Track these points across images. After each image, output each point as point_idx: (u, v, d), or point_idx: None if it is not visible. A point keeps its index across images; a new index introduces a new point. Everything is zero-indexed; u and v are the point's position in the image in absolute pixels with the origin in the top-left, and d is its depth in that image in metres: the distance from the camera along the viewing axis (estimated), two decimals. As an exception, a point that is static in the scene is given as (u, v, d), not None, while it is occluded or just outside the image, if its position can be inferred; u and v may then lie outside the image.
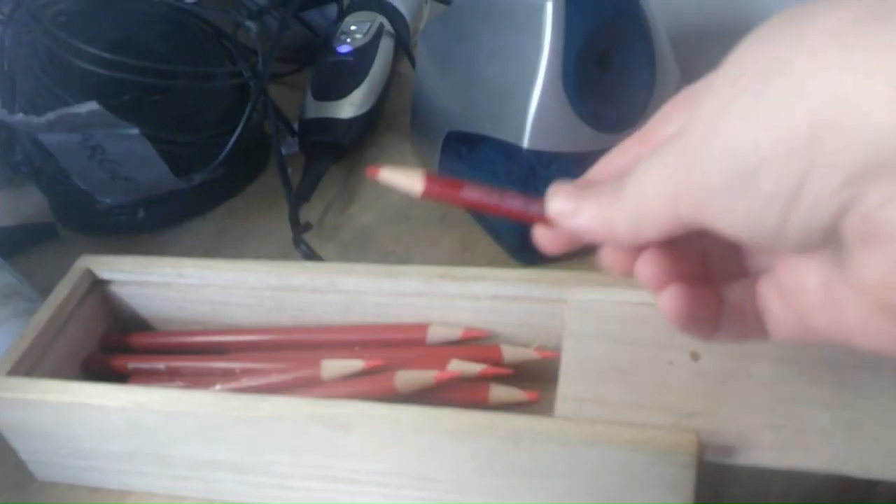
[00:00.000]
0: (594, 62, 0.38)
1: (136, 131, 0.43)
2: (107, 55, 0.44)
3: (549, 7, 0.37)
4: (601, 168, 0.28)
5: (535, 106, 0.39)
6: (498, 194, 0.27)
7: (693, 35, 0.62)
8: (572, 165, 0.41)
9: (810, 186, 0.18)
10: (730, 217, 0.21)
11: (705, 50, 0.58)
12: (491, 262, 0.46)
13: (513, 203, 0.27)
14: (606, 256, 0.26)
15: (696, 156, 0.21)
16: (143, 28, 0.51)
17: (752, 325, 0.25)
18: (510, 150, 0.41)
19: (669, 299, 0.25)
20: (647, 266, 0.25)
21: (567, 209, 0.25)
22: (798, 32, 0.19)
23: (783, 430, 0.29)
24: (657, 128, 0.26)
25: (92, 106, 0.41)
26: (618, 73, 0.38)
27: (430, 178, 0.27)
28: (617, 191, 0.24)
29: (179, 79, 0.48)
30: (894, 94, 0.17)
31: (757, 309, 0.25)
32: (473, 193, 0.27)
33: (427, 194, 0.27)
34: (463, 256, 0.46)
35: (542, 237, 0.27)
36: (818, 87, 0.18)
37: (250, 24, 0.48)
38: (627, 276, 0.26)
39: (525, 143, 0.40)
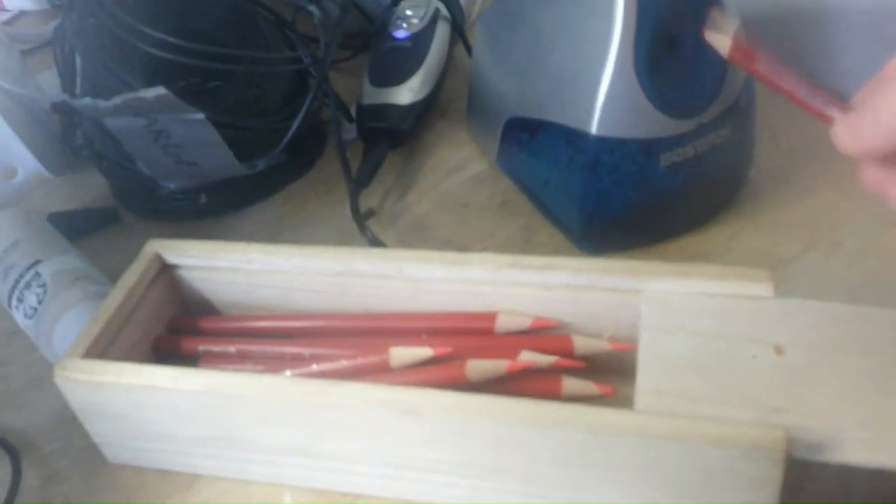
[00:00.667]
0: (666, 45, 0.37)
1: (201, 116, 0.43)
2: (171, 39, 0.44)
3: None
4: None
5: (604, 90, 0.38)
6: (796, 82, 0.29)
7: (765, 16, 0.60)
8: (638, 152, 0.40)
9: None
10: None
11: (777, 31, 0.57)
12: (553, 252, 0.45)
13: (806, 96, 0.29)
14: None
15: None
16: (203, 14, 0.51)
17: None
18: (575, 136, 0.40)
19: None
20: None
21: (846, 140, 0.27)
22: None
23: (873, 426, 0.28)
24: None
25: (159, 91, 0.41)
26: (690, 56, 0.37)
27: (736, 45, 0.33)
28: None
29: (241, 64, 0.48)
30: None
31: None
32: (768, 69, 0.31)
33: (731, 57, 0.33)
34: (524, 246, 0.46)
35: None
36: None
37: (313, 8, 0.47)
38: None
39: (593, 129, 0.39)
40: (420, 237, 0.48)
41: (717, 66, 0.39)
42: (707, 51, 0.39)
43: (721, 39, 0.34)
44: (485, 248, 0.46)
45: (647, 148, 0.39)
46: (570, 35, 0.40)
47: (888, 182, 0.27)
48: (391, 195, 0.52)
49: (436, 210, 0.50)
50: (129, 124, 0.45)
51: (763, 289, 0.33)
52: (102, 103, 0.42)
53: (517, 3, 0.47)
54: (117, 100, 0.42)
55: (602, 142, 0.39)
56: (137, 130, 0.45)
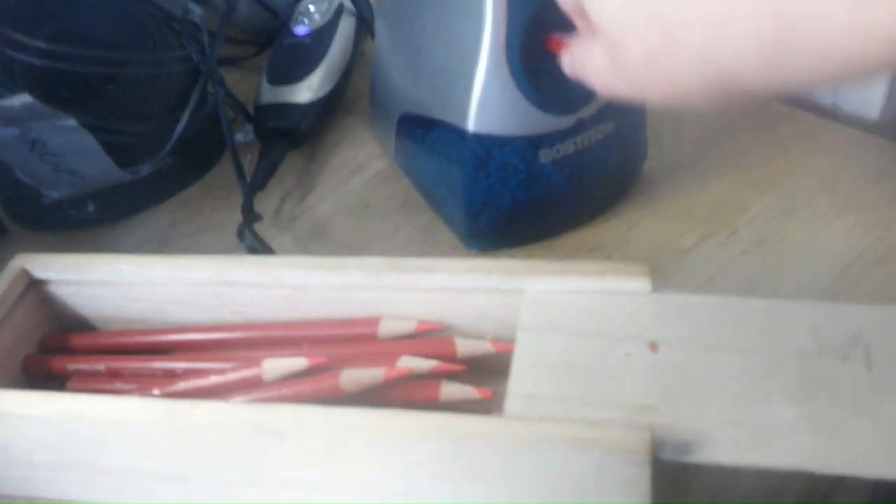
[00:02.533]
0: (540, 42, 0.36)
1: (73, 122, 0.41)
2: (46, 46, 0.42)
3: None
4: None
5: (479, 88, 0.37)
6: None
7: None
8: (518, 149, 0.39)
9: None
10: None
11: None
12: (453, 251, 0.44)
13: None
14: None
15: None
16: (88, 14, 0.49)
17: None
18: (456, 134, 0.39)
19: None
20: None
21: None
22: None
23: (745, 425, 0.27)
24: None
25: (24, 98, 0.39)
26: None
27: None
28: None
29: (124, 66, 0.46)
30: None
31: None
32: None
33: None
34: (423, 246, 0.44)
35: None
36: None
37: (193, 5, 0.45)
38: None
39: (471, 127, 0.38)
40: (319, 240, 0.47)
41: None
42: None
43: None
44: (384, 250, 0.45)
45: (527, 145, 0.38)
46: (448, 33, 0.39)
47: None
48: (291, 197, 0.50)
49: (336, 211, 0.48)
50: (1, 134, 0.42)
51: (640, 284, 0.32)
52: (-35, 113, 0.40)
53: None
54: (-20, 109, 0.40)
55: (480, 139, 0.38)
56: (10, 140, 0.42)
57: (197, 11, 0.46)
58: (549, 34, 0.35)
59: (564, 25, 0.36)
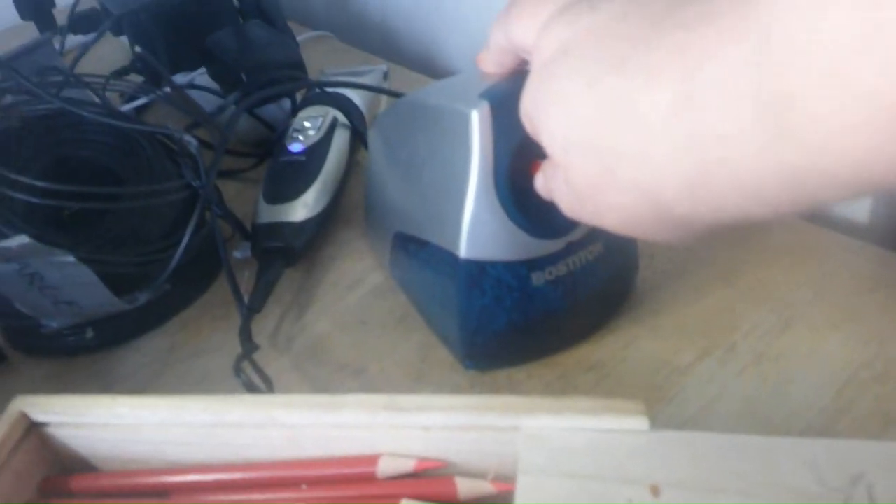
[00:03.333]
0: (528, 168, 0.37)
1: (71, 258, 0.41)
2: (41, 184, 0.43)
3: (476, 116, 0.36)
4: None
5: (469, 215, 0.38)
6: None
7: None
8: (510, 273, 0.39)
9: None
10: None
11: None
12: (451, 369, 0.44)
13: None
14: None
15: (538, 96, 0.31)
16: (86, 142, 0.50)
17: None
18: (449, 258, 0.39)
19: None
20: None
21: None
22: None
23: (750, 576, 0.27)
24: None
25: (22, 240, 0.40)
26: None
27: None
28: None
29: (120, 200, 0.47)
30: None
31: None
32: None
33: None
34: (421, 365, 0.45)
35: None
36: None
37: (189, 138, 0.46)
38: None
39: (462, 253, 0.38)
40: (317, 361, 0.47)
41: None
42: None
43: None
44: (382, 369, 0.45)
45: (519, 269, 0.39)
46: (438, 157, 0.40)
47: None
48: (289, 316, 0.50)
49: (334, 329, 0.48)
50: (0, 270, 0.43)
51: (638, 422, 0.32)
52: (-35, 254, 0.40)
53: (401, 115, 0.46)
54: (-20, 250, 0.40)
55: (472, 264, 0.38)
56: (10, 275, 0.43)
57: (193, 142, 0.47)
58: (535, 159, 0.36)
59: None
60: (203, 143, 0.53)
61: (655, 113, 0.23)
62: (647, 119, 0.23)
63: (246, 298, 0.48)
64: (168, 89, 0.57)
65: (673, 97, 0.22)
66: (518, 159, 0.38)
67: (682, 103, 0.22)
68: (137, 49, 0.58)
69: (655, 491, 0.29)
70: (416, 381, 0.44)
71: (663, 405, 0.39)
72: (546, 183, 0.33)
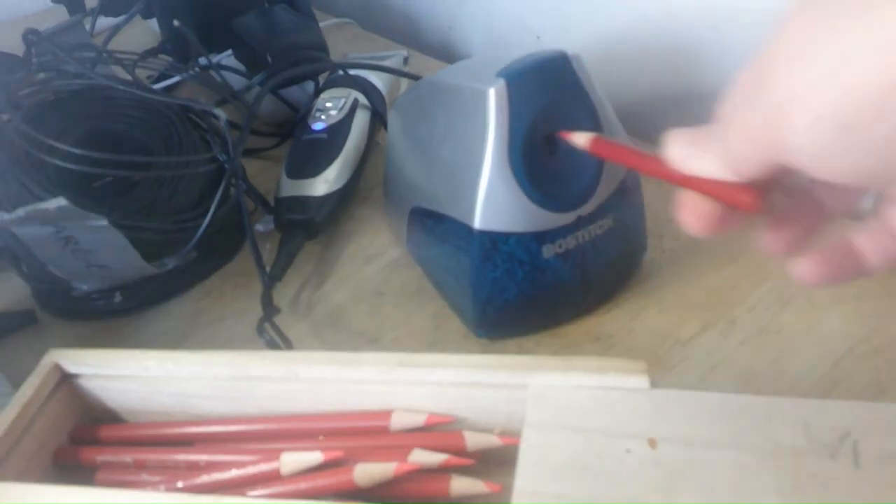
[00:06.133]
0: (541, 143, 0.39)
1: (105, 222, 0.44)
2: (77, 150, 0.45)
3: (492, 93, 0.38)
4: None
5: (484, 187, 0.39)
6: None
7: (641, 105, 0.64)
8: (522, 245, 0.41)
9: None
10: (834, 167, 0.22)
11: (654, 118, 0.60)
12: (464, 338, 0.46)
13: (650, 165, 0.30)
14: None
15: (785, 119, 0.22)
16: (118, 115, 0.53)
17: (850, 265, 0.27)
18: (463, 230, 0.41)
19: (809, 266, 0.27)
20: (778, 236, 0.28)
21: (682, 154, 0.27)
22: None
23: (740, 522, 0.28)
24: None
25: (60, 202, 0.42)
26: (566, 152, 0.38)
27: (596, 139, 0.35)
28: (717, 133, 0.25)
29: (151, 168, 0.49)
30: None
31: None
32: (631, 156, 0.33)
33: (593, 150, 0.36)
34: (434, 334, 0.46)
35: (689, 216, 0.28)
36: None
37: (219, 111, 0.49)
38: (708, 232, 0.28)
39: (477, 224, 0.40)
40: (335, 328, 0.49)
41: (593, 163, 0.41)
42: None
43: (580, 137, 0.36)
44: (397, 337, 0.47)
45: (531, 240, 0.40)
46: (455, 134, 0.42)
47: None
48: (308, 285, 0.52)
49: (351, 299, 0.50)
50: (36, 233, 0.45)
51: (639, 381, 0.33)
52: (5, 215, 0.43)
53: (420, 96, 0.48)
54: (20, 212, 0.42)
55: (486, 235, 0.40)
56: (46, 238, 0.45)
57: (222, 116, 0.49)
58: (549, 134, 0.38)
59: (564, 127, 0.38)
60: (229, 123, 0.55)
61: None
62: None
63: (268, 268, 0.50)
64: (197, 69, 0.60)
65: None
66: (532, 135, 0.39)
67: None
68: (176, 22, 0.60)
69: (653, 444, 0.31)
70: (429, 348, 0.45)
71: (664, 373, 0.40)
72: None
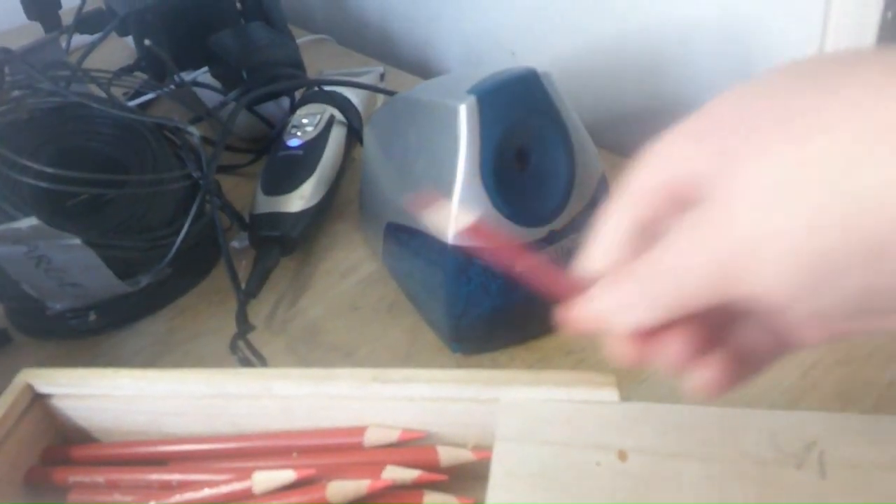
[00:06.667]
0: (512, 159, 0.39)
1: (77, 241, 0.43)
2: (49, 170, 0.45)
3: (463, 110, 0.39)
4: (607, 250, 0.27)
5: (456, 202, 0.40)
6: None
7: (613, 119, 0.65)
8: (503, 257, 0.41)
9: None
10: (782, 289, 0.21)
11: (625, 131, 0.61)
12: (439, 352, 0.46)
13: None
14: (618, 344, 0.26)
15: (749, 243, 0.21)
16: (92, 133, 0.52)
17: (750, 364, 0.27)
18: (437, 245, 0.41)
19: (708, 376, 0.26)
20: (676, 344, 0.26)
21: (610, 307, 0.25)
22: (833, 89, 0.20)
23: (708, 532, 0.29)
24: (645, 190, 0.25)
25: (32, 221, 0.42)
26: (537, 168, 0.39)
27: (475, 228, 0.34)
28: (654, 270, 0.24)
29: (125, 187, 0.49)
30: None
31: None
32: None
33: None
34: (409, 348, 0.47)
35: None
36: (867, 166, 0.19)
37: (192, 128, 0.49)
38: (641, 363, 0.27)
39: (450, 239, 0.40)
40: (311, 343, 0.49)
41: (564, 179, 0.41)
42: (553, 165, 0.41)
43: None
44: (373, 352, 0.47)
45: (510, 253, 0.41)
46: (428, 149, 0.42)
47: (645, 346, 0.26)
48: (284, 301, 0.52)
49: (327, 314, 0.51)
50: (9, 252, 0.45)
51: (609, 394, 0.34)
52: (-24, 234, 0.42)
53: (394, 113, 0.49)
54: (-9, 230, 0.42)
55: (459, 251, 0.40)
56: (18, 257, 0.45)
57: (195, 133, 0.49)
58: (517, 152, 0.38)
59: (535, 143, 0.39)
60: (204, 139, 0.55)
61: None
62: None
63: (243, 285, 0.50)
64: (172, 86, 0.60)
65: None
66: (503, 150, 0.40)
67: None
68: (147, 42, 0.60)
69: (623, 456, 0.32)
70: (405, 362, 0.46)
71: (636, 386, 0.41)
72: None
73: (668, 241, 0.23)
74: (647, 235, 0.25)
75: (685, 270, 0.23)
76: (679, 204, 0.24)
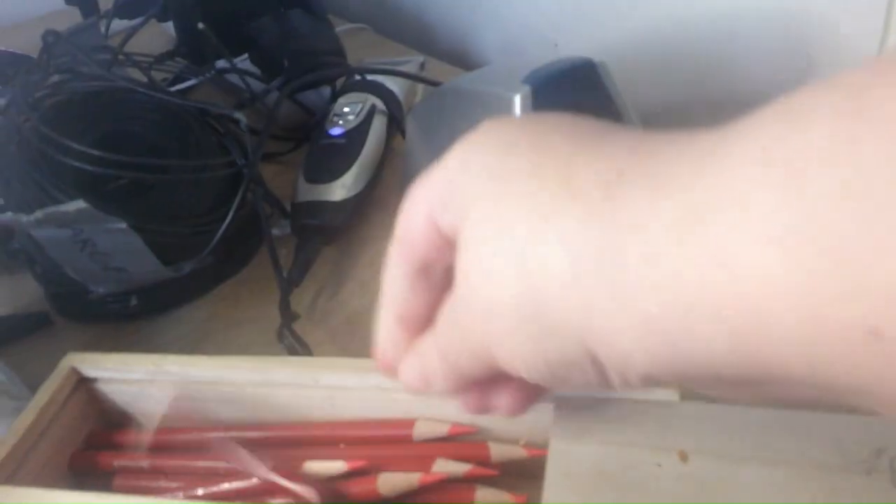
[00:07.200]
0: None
1: (123, 225, 0.43)
2: (95, 152, 0.45)
3: (518, 100, 0.38)
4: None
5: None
6: None
7: (656, 113, 0.64)
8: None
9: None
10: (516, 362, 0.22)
11: (677, 123, 0.60)
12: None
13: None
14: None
15: (482, 320, 0.22)
16: (137, 118, 0.52)
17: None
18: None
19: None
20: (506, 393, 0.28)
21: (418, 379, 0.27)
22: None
23: (773, 539, 0.28)
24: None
25: (79, 204, 0.41)
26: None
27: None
28: (433, 350, 0.25)
29: (169, 172, 0.48)
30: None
31: None
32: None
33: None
34: (453, 341, 0.46)
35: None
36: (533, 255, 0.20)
37: (239, 115, 0.48)
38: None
39: None
40: (351, 334, 0.48)
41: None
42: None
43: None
44: (415, 345, 0.46)
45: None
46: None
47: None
48: (325, 291, 0.52)
49: (368, 307, 0.50)
50: (54, 235, 0.45)
51: (668, 393, 0.33)
52: (25, 218, 0.42)
53: (441, 102, 0.48)
54: (39, 214, 0.42)
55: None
56: (63, 241, 0.45)
57: (243, 120, 0.48)
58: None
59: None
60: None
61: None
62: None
63: (284, 273, 0.49)
64: (214, 71, 0.59)
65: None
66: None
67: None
68: (201, 25, 0.59)
69: (684, 457, 0.31)
70: (448, 356, 0.45)
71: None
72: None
73: (437, 322, 0.25)
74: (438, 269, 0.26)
75: (454, 354, 0.24)
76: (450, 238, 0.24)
